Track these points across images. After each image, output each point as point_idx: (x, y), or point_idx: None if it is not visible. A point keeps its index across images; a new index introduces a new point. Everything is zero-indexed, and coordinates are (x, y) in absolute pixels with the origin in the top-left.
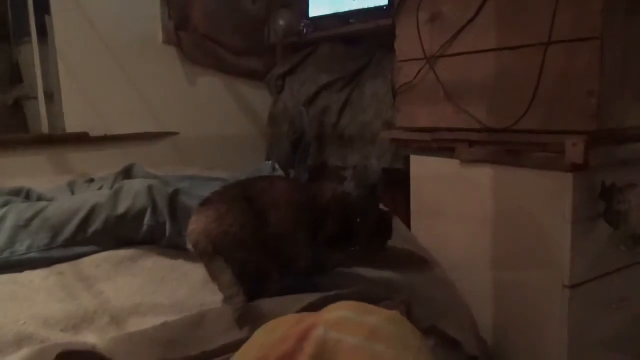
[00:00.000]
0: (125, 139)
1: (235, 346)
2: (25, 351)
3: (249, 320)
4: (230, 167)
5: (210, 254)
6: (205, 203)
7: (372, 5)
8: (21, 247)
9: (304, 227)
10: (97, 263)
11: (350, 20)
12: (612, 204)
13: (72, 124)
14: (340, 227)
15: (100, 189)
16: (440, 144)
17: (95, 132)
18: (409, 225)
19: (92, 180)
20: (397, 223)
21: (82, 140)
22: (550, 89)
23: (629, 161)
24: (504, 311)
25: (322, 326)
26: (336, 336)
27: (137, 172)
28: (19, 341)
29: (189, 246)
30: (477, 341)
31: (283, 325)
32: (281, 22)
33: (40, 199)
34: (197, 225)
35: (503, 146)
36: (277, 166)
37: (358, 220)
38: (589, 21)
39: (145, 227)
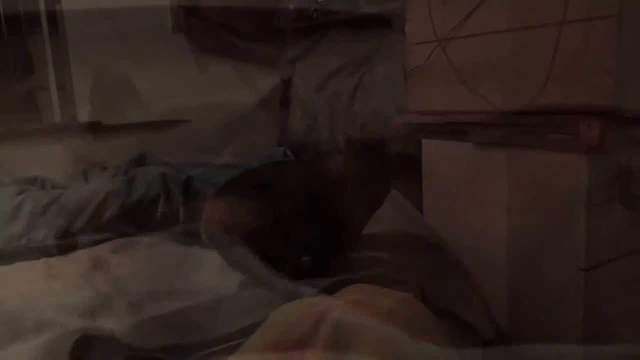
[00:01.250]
0: (137, 127)
1: (251, 330)
2: (45, 337)
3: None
4: (242, 153)
5: (227, 245)
6: (217, 194)
7: None
8: (38, 234)
9: (318, 210)
10: (112, 249)
11: (360, 3)
12: (628, 186)
13: (84, 113)
14: (355, 197)
15: (113, 176)
16: (453, 127)
17: (107, 121)
18: (421, 210)
19: (105, 169)
20: (410, 207)
21: (94, 129)
22: (564, 69)
23: None
24: (518, 295)
25: (337, 309)
26: (351, 319)
27: (150, 159)
28: (39, 327)
29: (203, 237)
30: (491, 324)
31: (298, 309)
32: (291, 6)
33: (55, 187)
34: (210, 217)
35: (517, 128)
36: (288, 152)
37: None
38: None
39: (159, 214)
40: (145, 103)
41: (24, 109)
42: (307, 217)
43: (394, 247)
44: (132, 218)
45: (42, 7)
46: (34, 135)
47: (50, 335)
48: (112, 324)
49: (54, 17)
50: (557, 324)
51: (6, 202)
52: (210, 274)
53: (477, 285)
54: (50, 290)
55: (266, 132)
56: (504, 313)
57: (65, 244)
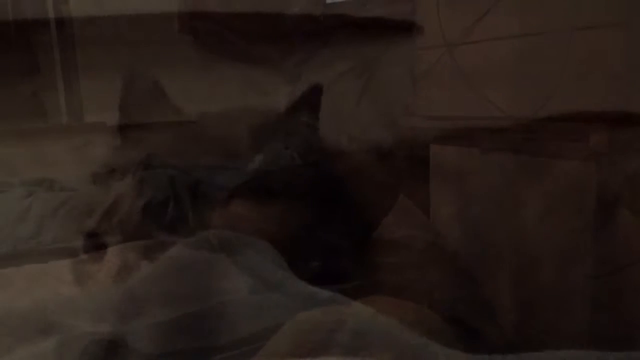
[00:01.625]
0: (143, 128)
1: (262, 335)
2: (54, 340)
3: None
4: (248, 155)
5: (237, 248)
6: (227, 198)
7: None
8: (47, 237)
9: (328, 214)
10: (121, 253)
11: (368, 6)
12: (636, 191)
13: (91, 114)
14: (363, 202)
15: (121, 179)
16: (461, 132)
17: (113, 122)
18: (428, 215)
19: (113, 171)
20: (417, 212)
21: (101, 130)
22: (573, 75)
23: None
24: (524, 301)
25: (352, 318)
26: (366, 327)
27: (157, 161)
28: (47, 330)
29: (213, 241)
30: (497, 330)
31: (312, 316)
32: (296, 9)
33: (63, 189)
34: (219, 222)
35: (525, 134)
36: (295, 155)
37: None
38: (613, 4)
39: (167, 217)
40: (171, 105)
41: (30, 109)
42: (317, 221)
43: (402, 253)
44: (140, 221)
45: (49, 5)
46: (40, 135)
47: (59, 338)
48: (120, 327)
49: (60, 16)
50: (564, 331)
51: (14, 204)
52: (218, 277)
53: (482, 291)
54: (58, 293)
55: (272, 135)
56: (510, 319)
57: (74, 247)
